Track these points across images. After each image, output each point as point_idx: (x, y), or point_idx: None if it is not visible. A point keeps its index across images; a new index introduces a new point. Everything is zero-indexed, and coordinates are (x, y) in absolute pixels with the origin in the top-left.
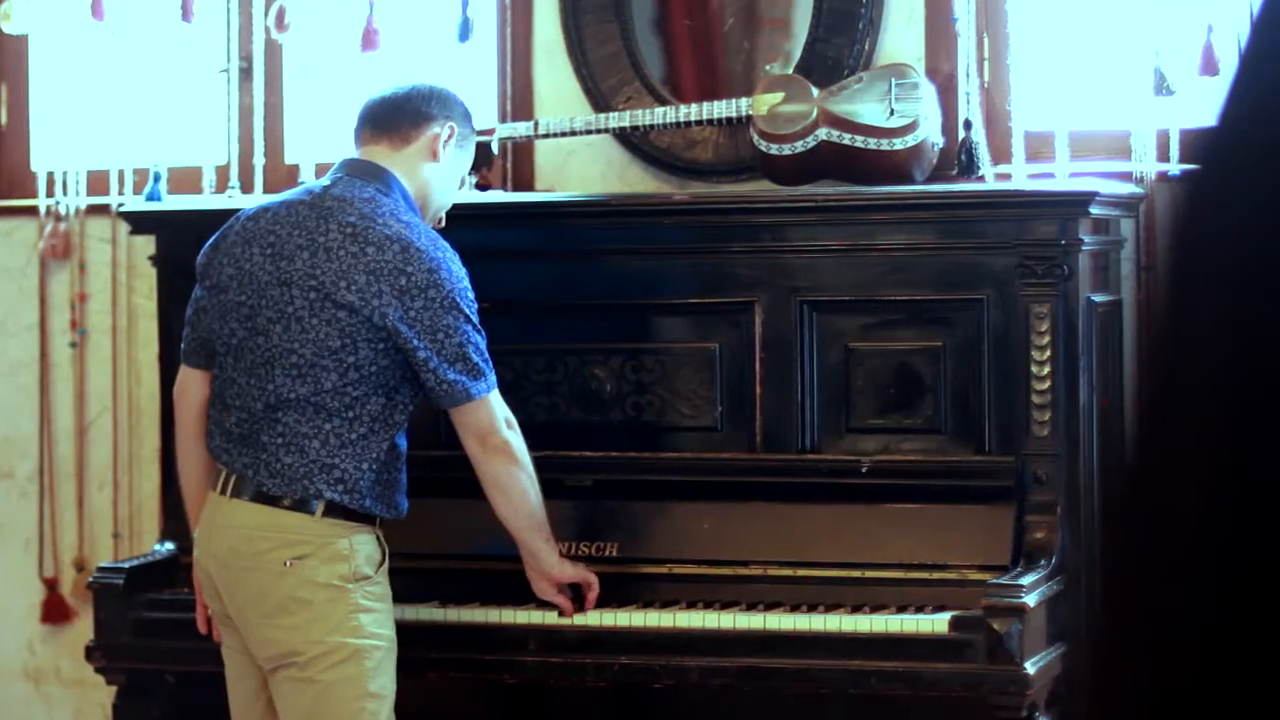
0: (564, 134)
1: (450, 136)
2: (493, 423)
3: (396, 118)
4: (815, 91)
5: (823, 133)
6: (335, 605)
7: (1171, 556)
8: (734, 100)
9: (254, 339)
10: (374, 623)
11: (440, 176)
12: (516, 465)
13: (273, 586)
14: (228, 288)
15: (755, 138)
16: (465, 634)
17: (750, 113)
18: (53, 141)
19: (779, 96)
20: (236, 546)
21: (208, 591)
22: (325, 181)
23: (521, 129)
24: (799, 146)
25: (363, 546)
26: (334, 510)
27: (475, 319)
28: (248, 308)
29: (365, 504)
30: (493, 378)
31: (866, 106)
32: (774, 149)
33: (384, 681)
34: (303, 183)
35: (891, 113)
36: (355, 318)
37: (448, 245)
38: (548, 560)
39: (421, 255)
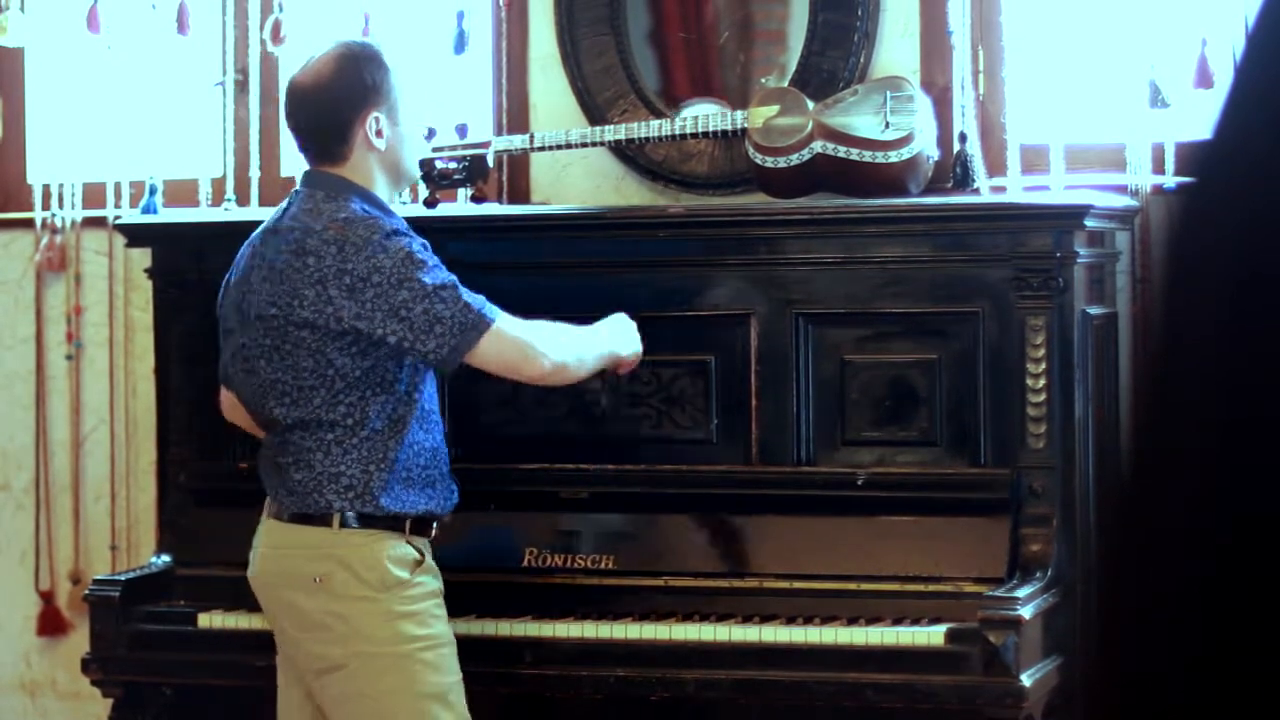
0: (559, 147)
1: (380, 118)
2: (507, 362)
3: (321, 141)
4: (810, 104)
5: (818, 145)
6: (369, 616)
7: (1167, 569)
8: (729, 113)
9: (251, 377)
10: (416, 625)
11: (392, 153)
12: (563, 372)
13: (307, 604)
14: (234, 329)
15: (750, 150)
16: (461, 645)
17: (745, 125)
18: (49, 154)
19: (774, 109)
20: (272, 566)
21: (265, 611)
22: (286, 202)
23: (517, 142)
24: (794, 159)
25: (389, 552)
26: (351, 520)
27: (435, 273)
28: (239, 344)
29: (382, 504)
30: (481, 319)
31: (861, 119)
32: (769, 162)
33: (439, 678)
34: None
35: (886, 125)
36: (317, 333)
37: (386, 222)
38: (622, 357)
39: (356, 247)
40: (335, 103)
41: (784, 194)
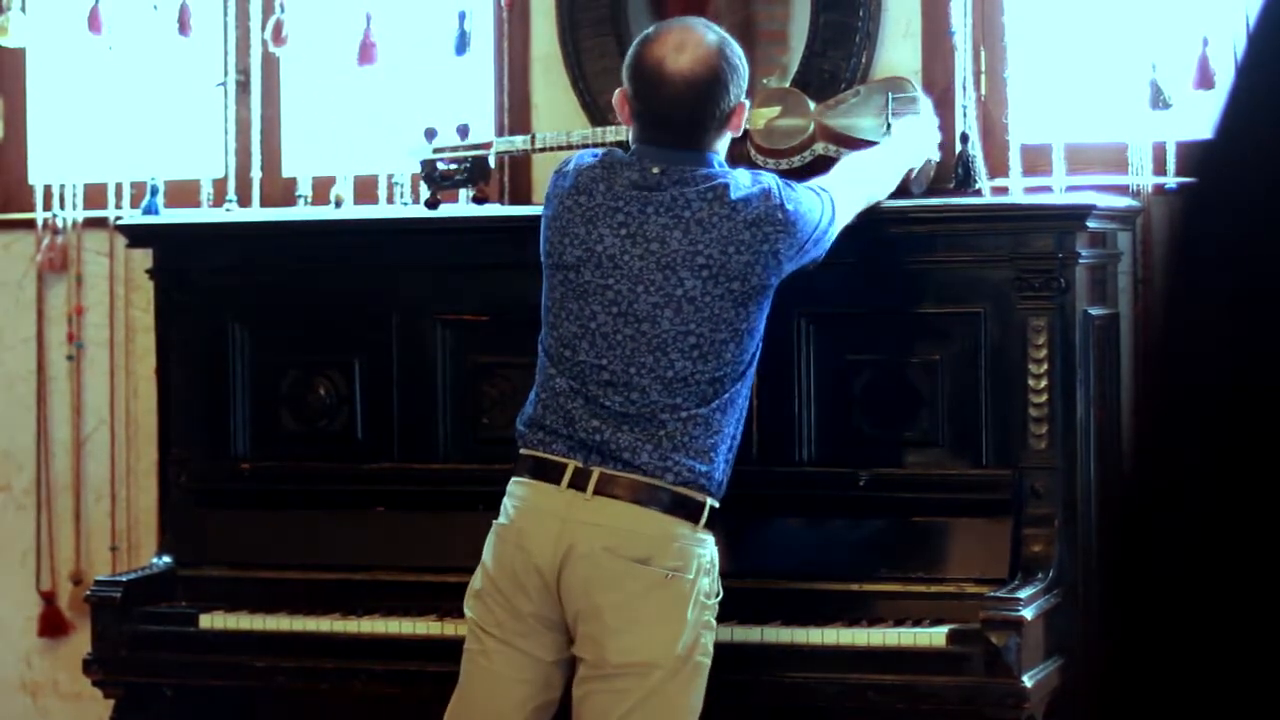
0: (561, 147)
1: (744, 107)
2: (846, 213)
3: (692, 129)
4: (812, 105)
5: (820, 147)
6: (696, 622)
7: (1168, 569)
8: None
9: (635, 325)
10: (711, 641)
11: (735, 136)
12: (876, 192)
13: (649, 596)
14: (576, 267)
15: (752, 152)
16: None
17: (747, 127)
18: (50, 154)
19: (776, 110)
20: (611, 547)
21: (522, 588)
22: (654, 169)
23: (518, 142)
24: (796, 161)
25: (718, 560)
26: (710, 517)
27: (797, 191)
28: (613, 292)
29: (720, 491)
30: (820, 198)
31: (864, 120)
32: (771, 163)
33: (702, 698)
34: (572, 161)
35: (888, 126)
36: (746, 285)
37: (755, 177)
38: (915, 161)
39: (770, 206)
40: (719, 96)
41: None
